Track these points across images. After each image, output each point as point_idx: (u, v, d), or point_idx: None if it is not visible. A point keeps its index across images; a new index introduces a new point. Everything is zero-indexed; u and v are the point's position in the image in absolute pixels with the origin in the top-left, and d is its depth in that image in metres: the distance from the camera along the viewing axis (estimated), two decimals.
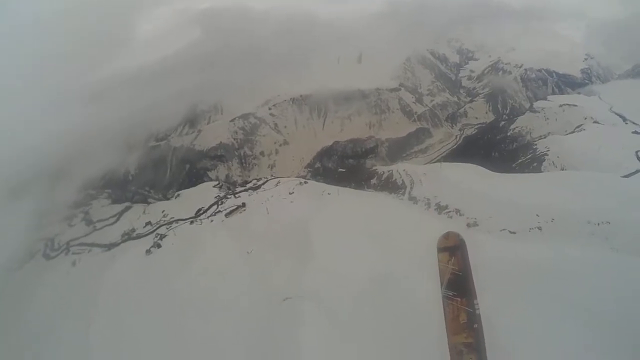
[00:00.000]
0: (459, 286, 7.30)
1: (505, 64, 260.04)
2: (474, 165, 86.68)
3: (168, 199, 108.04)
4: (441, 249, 7.73)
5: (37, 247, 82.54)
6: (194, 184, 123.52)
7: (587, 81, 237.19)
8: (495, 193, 64.99)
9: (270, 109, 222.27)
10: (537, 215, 53.15)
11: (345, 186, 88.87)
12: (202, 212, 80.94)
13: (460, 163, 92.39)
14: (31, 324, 57.76)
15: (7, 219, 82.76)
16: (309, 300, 40.60)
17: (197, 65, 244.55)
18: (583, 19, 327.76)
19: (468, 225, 58.58)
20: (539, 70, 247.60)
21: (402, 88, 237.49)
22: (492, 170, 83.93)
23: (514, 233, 52.06)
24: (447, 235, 7.76)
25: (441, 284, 7.48)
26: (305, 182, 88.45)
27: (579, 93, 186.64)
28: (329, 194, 76.76)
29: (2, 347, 55.10)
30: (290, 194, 78.91)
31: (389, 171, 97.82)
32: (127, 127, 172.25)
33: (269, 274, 49.80)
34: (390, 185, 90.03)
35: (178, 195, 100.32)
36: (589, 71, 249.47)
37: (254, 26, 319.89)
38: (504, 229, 53.47)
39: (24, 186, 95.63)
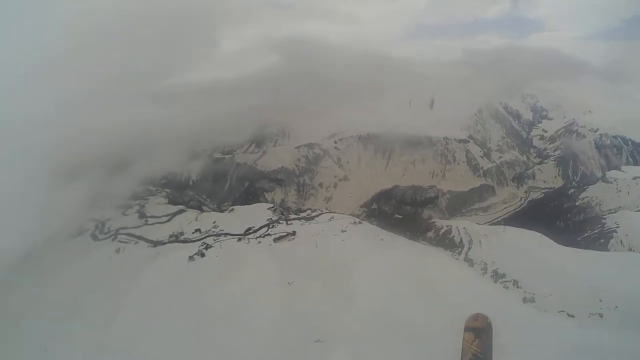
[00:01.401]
0: None
1: (581, 127, 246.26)
2: (539, 234, 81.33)
3: (222, 211, 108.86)
4: (468, 328, 7.72)
5: (88, 226, 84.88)
6: (250, 202, 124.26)
7: None
8: (558, 268, 60.75)
9: (336, 142, 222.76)
10: (600, 300, 49.25)
11: (400, 234, 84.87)
12: (251, 231, 79.92)
13: (524, 229, 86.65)
14: (63, 297, 58.03)
15: (63, 193, 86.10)
16: (341, 347, 37.41)
17: (272, 87, 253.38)
18: None
19: (524, 300, 54.23)
20: (615, 137, 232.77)
21: (471, 140, 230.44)
22: (555, 241, 78.49)
23: (573, 317, 47.61)
24: (476, 317, 7.86)
25: None
26: (360, 223, 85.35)
27: None
28: (382, 239, 73.21)
29: (33, 311, 55.57)
30: (342, 231, 76.09)
31: (447, 226, 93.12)
32: (195, 135, 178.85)
33: (306, 310, 46.96)
34: (447, 242, 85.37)
35: (232, 209, 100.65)
36: None
37: (331, 58, 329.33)
38: (562, 311, 49.19)
39: (85, 166, 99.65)
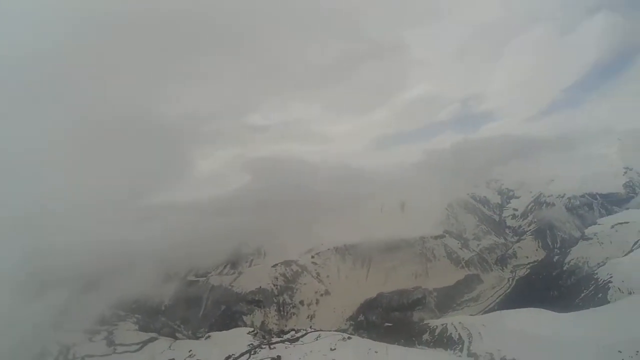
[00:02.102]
0: None
1: (548, 197, 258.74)
2: (536, 309, 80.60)
3: (198, 337, 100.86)
4: None
5: (52, 349, 76.28)
6: (228, 327, 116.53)
7: (632, 194, 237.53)
8: (567, 337, 58.09)
9: (313, 257, 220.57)
10: (619, 351, 47.52)
11: (394, 342, 79.64)
12: (232, 359, 72.60)
13: (521, 309, 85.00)
14: None
15: (28, 311, 79.22)
16: None
17: (246, 207, 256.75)
18: (613, 133, 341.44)
19: None
20: (582, 196, 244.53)
21: (447, 234, 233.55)
22: (556, 312, 76.88)
23: None
24: None
25: None
26: (349, 338, 79.20)
27: (627, 209, 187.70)
28: (375, 352, 67.37)
29: None
30: (331, 350, 69.98)
31: (442, 325, 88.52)
32: (170, 256, 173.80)
33: None
34: (445, 341, 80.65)
35: (209, 336, 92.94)
36: (631, 184, 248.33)
37: (304, 175, 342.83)
38: None
39: (55, 283, 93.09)
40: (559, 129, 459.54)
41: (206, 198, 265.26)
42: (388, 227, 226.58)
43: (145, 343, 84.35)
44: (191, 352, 78.39)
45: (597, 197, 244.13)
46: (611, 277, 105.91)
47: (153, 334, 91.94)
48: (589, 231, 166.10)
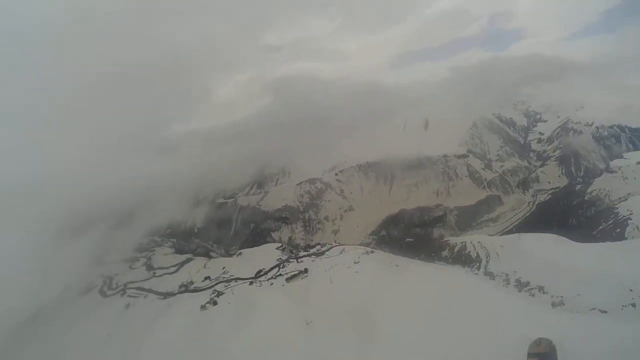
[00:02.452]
0: None
1: (575, 124, 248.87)
2: (555, 235, 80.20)
3: (230, 255, 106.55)
4: (532, 355, 9.17)
5: (96, 282, 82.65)
6: (257, 244, 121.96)
7: None
8: (580, 266, 59.01)
9: (336, 174, 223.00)
10: (630, 290, 47.95)
11: (414, 257, 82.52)
12: (262, 273, 77.65)
13: (539, 233, 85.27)
14: (74, 355, 56.56)
15: (69, 250, 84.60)
16: None
17: (267, 129, 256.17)
18: None
19: (553, 304, 52.13)
20: (611, 127, 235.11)
21: (470, 154, 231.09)
22: (572, 239, 77.50)
23: (605, 312, 46.38)
24: (539, 342, 10.61)
25: None
26: (372, 252, 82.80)
27: None
28: (397, 265, 70.56)
29: None
30: (355, 263, 73.66)
31: (461, 243, 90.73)
32: (197, 182, 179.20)
33: (328, 350, 44.62)
34: (463, 258, 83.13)
35: (240, 253, 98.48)
36: None
37: (323, 94, 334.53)
38: (593, 308, 47.75)
39: (90, 223, 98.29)
40: (592, 54, 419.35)
41: (226, 123, 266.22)
42: (411, 145, 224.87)
43: (182, 264, 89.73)
44: (224, 269, 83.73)
45: (626, 130, 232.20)
46: (631, 214, 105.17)
47: (189, 255, 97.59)
48: (614, 164, 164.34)
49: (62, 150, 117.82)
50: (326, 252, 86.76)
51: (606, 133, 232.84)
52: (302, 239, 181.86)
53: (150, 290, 77.91)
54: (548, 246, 72.90)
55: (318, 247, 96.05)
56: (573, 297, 51.80)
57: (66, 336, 62.37)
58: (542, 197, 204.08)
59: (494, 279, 67.10)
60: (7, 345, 59.42)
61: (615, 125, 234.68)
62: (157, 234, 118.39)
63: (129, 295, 77.18)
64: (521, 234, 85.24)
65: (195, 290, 75.78)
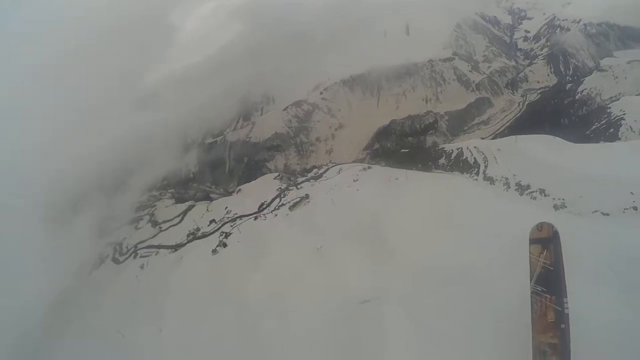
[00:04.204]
0: (549, 282, 7.17)
1: (562, 21, 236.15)
2: (551, 136, 78.22)
3: (230, 193, 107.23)
4: (533, 240, 7.88)
5: (107, 252, 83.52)
6: (254, 177, 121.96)
7: None
8: (580, 168, 57.88)
9: (321, 93, 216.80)
10: (631, 193, 46.73)
11: (412, 168, 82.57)
12: (265, 206, 78.26)
13: (535, 135, 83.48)
14: (103, 330, 57.36)
15: (74, 232, 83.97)
16: (391, 304, 36.52)
17: (243, 58, 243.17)
18: None
19: (555, 207, 52.36)
20: (599, 25, 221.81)
21: (456, 57, 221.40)
22: (564, 139, 75.42)
23: (607, 215, 45.82)
24: (540, 226, 7.84)
25: (530, 278, 7.16)
26: (369, 168, 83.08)
27: None
28: (396, 179, 70.78)
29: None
30: (354, 181, 74.01)
31: (457, 149, 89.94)
32: (182, 128, 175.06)
33: (342, 272, 45.78)
34: (461, 164, 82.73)
35: (239, 190, 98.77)
36: None
37: (295, 11, 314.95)
38: (595, 211, 47.15)
39: (84, 197, 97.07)
40: None
41: (199, 60, 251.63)
42: (394, 53, 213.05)
43: (185, 213, 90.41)
44: (227, 208, 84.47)
45: (615, 28, 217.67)
46: (624, 114, 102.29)
47: (190, 203, 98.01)
48: (604, 63, 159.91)
49: (38, 121, 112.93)
50: (324, 174, 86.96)
51: (594, 31, 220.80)
52: (298, 164, 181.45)
53: (160, 246, 79.02)
54: (545, 148, 71.58)
55: (315, 170, 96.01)
56: (575, 199, 51.47)
57: (92, 311, 63.59)
58: (532, 97, 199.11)
59: (493, 184, 67.02)
60: (38, 335, 60.11)
61: (603, 23, 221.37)
62: (154, 188, 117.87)
63: (141, 256, 78.31)
64: (517, 136, 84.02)
65: (204, 236, 76.82)
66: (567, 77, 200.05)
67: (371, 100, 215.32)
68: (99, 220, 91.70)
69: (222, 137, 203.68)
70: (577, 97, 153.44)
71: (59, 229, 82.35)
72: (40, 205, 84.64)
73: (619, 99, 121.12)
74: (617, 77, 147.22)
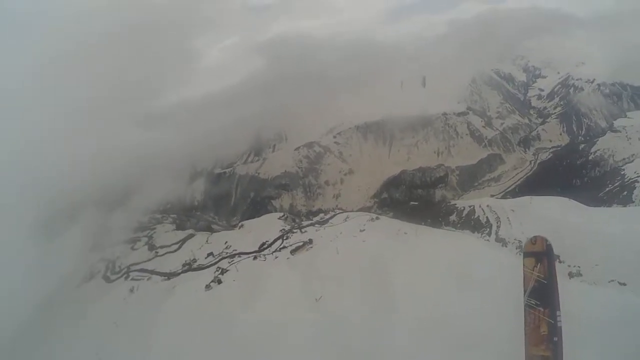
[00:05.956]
0: (542, 295, 6.91)
1: (576, 80, 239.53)
2: (566, 199, 77.66)
3: (232, 226, 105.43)
4: (527, 254, 7.53)
5: (99, 267, 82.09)
6: (258, 212, 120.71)
7: None
8: (596, 234, 56.87)
9: (334, 137, 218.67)
10: None
11: (421, 223, 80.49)
12: (266, 246, 76.09)
13: (550, 197, 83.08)
14: (80, 349, 54.79)
15: (66, 241, 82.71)
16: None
17: (261, 93, 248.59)
18: None
19: (570, 275, 50.94)
20: (613, 85, 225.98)
21: (470, 112, 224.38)
22: (581, 202, 75.62)
23: (624, 285, 44.39)
24: (534, 240, 7.62)
25: (524, 291, 7.12)
26: (377, 218, 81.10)
27: None
28: (405, 233, 68.64)
29: None
30: (361, 231, 71.84)
31: (470, 207, 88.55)
32: (192, 153, 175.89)
33: (341, 328, 42.78)
34: (472, 223, 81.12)
35: (242, 225, 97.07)
36: None
37: (317, 52, 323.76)
38: (612, 280, 46.01)
39: (81, 207, 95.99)
40: (593, 8, 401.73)
41: (218, 89, 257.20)
42: (409, 104, 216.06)
43: (184, 241, 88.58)
44: (227, 243, 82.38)
45: (628, 88, 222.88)
46: (638, 176, 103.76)
47: (190, 231, 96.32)
48: (617, 123, 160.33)
49: (40, 124, 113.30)
50: (330, 220, 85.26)
51: (608, 91, 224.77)
52: (304, 205, 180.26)
53: (153, 272, 76.98)
54: (560, 211, 70.54)
55: (321, 215, 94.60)
56: (591, 267, 50.55)
57: (72, 327, 61.16)
58: (544, 156, 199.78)
59: (506, 246, 65.31)
60: (15, 341, 58.52)
61: (617, 82, 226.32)
62: (157, 210, 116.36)
63: (132, 279, 76.49)
64: (532, 197, 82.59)
65: (199, 268, 74.71)
66: (580, 137, 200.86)
67: (383, 149, 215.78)
68: (94, 233, 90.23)
69: (231, 169, 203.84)
70: (590, 157, 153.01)
71: (50, 236, 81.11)
72: (31, 210, 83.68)
73: (632, 161, 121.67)
74: (630, 139, 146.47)
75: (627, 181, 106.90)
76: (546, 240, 7.48)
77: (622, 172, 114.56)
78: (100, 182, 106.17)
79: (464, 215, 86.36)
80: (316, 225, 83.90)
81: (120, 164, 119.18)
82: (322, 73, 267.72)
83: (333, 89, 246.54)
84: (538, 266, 7.29)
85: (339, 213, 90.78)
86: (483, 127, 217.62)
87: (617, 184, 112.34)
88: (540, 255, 7.40)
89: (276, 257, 69.99)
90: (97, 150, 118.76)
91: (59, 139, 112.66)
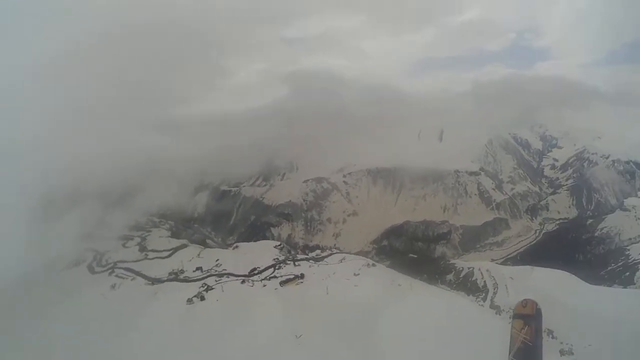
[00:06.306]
0: (527, 357, 6.97)
1: (592, 154, 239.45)
2: (567, 273, 76.11)
3: (227, 245, 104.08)
4: (517, 315, 7.61)
5: (86, 257, 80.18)
6: (255, 236, 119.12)
7: None
8: (594, 313, 55.23)
9: (344, 176, 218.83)
10: None
11: (417, 277, 78.64)
12: (256, 272, 74.30)
13: (552, 269, 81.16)
14: (54, 334, 53.37)
15: (62, 221, 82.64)
16: None
17: (280, 120, 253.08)
18: None
19: (562, 352, 49.41)
20: (627, 162, 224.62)
21: (482, 172, 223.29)
22: (579, 277, 74.20)
23: None
24: (525, 303, 7.68)
25: (509, 351, 7.16)
26: (373, 265, 79.38)
27: None
28: (399, 285, 66.91)
29: (22, 346, 51.43)
30: (355, 275, 70.20)
31: (469, 268, 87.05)
32: (202, 166, 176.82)
33: None
34: (468, 285, 79.62)
35: (237, 246, 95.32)
36: None
37: (340, 91, 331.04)
38: None
39: (81, 197, 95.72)
40: (616, 83, 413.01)
41: (239, 109, 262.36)
42: (424, 155, 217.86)
43: (176, 250, 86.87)
44: (218, 261, 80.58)
45: None
46: None
47: (184, 241, 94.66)
48: (628, 202, 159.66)
49: (62, 110, 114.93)
50: (325, 259, 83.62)
51: (622, 168, 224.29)
52: (302, 239, 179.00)
53: (139, 273, 75.20)
54: (560, 286, 68.87)
55: (318, 251, 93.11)
56: (584, 347, 48.93)
57: (47, 309, 59.51)
58: (550, 227, 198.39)
59: (500, 314, 63.32)
60: None
61: (631, 161, 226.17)
62: (156, 214, 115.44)
63: (116, 275, 74.72)
64: (534, 267, 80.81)
65: (185, 280, 72.87)
66: (589, 212, 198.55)
67: (391, 196, 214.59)
68: (90, 222, 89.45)
69: (237, 188, 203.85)
70: (596, 234, 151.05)
71: (46, 218, 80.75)
72: (33, 192, 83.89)
73: (638, 242, 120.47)
74: (639, 219, 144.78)
75: (631, 262, 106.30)
76: (536, 304, 7.51)
77: (627, 252, 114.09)
78: (107, 176, 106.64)
79: (461, 276, 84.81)
80: (311, 261, 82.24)
81: (129, 163, 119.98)
82: (342, 111, 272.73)
83: (350, 128, 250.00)
84: (525, 328, 7.27)
85: (335, 253, 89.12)
86: (493, 189, 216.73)
87: (620, 264, 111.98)
88: (529, 319, 7.39)
89: (264, 285, 68.19)
90: (111, 147, 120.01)
91: (76, 128, 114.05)
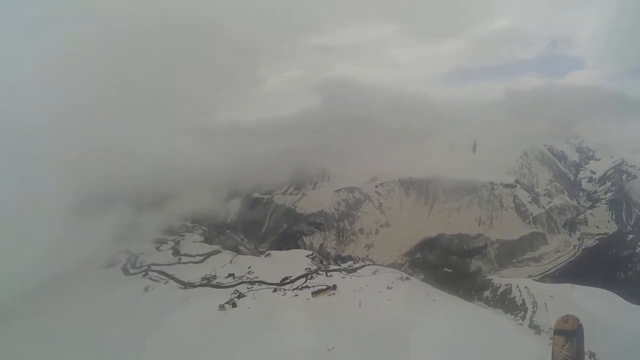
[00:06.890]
0: None
1: (630, 167, 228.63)
2: (610, 292, 73.02)
3: (259, 253, 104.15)
4: (558, 331, 7.59)
5: (121, 258, 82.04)
6: (287, 244, 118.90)
7: None
8: (637, 335, 52.72)
9: (377, 186, 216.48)
10: None
11: (452, 293, 76.11)
12: (288, 281, 73.75)
13: (593, 288, 77.85)
14: (83, 331, 54.30)
15: (99, 221, 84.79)
16: None
17: (312, 129, 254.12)
18: None
19: None
20: None
21: (518, 185, 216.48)
22: (621, 297, 70.88)
23: None
24: (566, 319, 7.58)
25: None
26: (407, 279, 77.38)
27: None
28: (434, 300, 64.72)
29: (50, 341, 52.02)
30: (388, 288, 68.45)
31: (506, 285, 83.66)
32: (234, 173, 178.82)
33: None
34: (506, 303, 76.43)
35: (269, 254, 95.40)
36: None
37: (372, 101, 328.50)
38: None
39: (122, 197, 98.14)
40: None
41: (271, 117, 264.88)
42: (457, 167, 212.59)
43: (208, 255, 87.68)
44: (250, 268, 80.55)
45: None
46: None
47: (217, 247, 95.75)
48: None
49: (104, 115, 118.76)
50: (358, 270, 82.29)
51: None
52: (334, 248, 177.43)
53: (172, 277, 76.19)
54: (603, 306, 65.41)
55: (350, 262, 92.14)
56: None
57: (77, 306, 61.05)
58: (589, 242, 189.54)
59: (539, 334, 60.27)
60: (24, 304, 59.02)
61: None
62: (189, 219, 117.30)
63: (150, 278, 75.83)
64: (574, 285, 76.91)
65: (217, 286, 73.10)
66: (629, 227, 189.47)
67: (424, 208, 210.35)
68: (126, 224, 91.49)
69: (269, 196, 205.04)
70: (637, 250, 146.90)
71: (84, 216, 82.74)
72: (72, 189, 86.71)
73: None
74: None
75: None
76: (578, 320, 7.44)
77: None
78: (144, 179, 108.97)
79: (499, 292, 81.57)
80: (343, 272, 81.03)
81: (164, 168, 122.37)
82: (374, 120, 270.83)
83: (382, 138, 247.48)
84: (567, 345, 7.23)
85: (368, 265, 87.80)
86: (529, 202, 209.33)
87: None
88: (570, 335, 7.35)
89: (296, 295, 67.47)
90: (147, 152, 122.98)
91: (115, 133, 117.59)
